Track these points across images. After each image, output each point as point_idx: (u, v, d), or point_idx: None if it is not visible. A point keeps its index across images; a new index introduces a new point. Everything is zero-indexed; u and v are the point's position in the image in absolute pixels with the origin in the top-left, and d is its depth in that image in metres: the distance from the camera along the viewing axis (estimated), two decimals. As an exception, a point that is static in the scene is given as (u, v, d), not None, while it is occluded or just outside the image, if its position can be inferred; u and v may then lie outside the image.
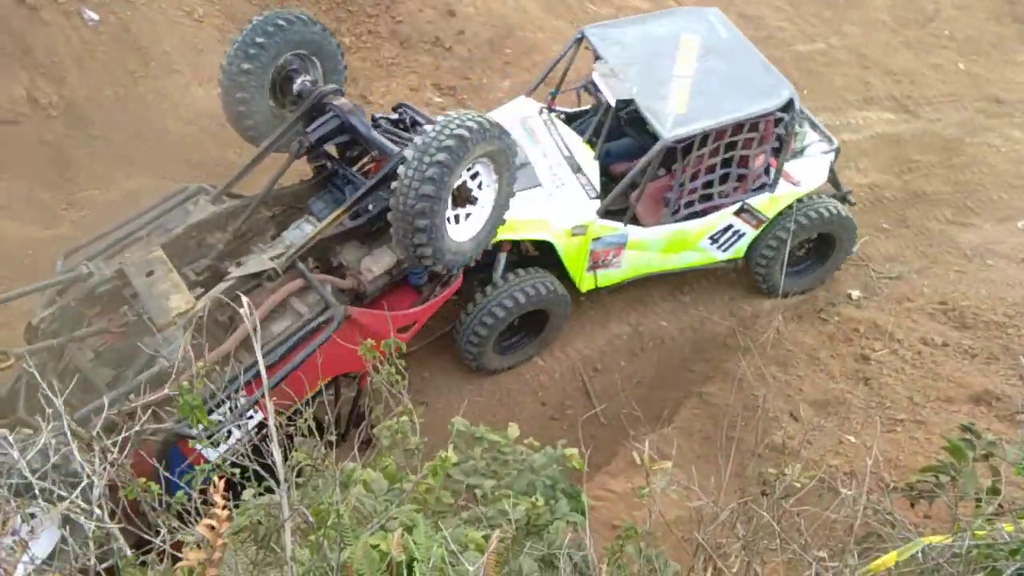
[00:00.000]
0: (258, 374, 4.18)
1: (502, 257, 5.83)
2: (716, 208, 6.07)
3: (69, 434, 2.51)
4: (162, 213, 4.98)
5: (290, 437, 2.54)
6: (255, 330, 2.11)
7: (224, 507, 1.54)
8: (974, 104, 8.90)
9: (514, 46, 8.36)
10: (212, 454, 3.93)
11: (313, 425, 2.36)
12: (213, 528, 1.46)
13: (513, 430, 2.56)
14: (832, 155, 6.45)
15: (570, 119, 6.50)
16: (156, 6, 7.24)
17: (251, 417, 4.39)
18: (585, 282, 6.14)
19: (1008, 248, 7.43)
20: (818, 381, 5.87)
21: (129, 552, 2.07)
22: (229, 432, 4.28)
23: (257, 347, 2.11)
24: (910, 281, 7.06)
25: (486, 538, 1.88)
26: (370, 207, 4.93)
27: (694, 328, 6.74)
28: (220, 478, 1.70)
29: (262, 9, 6.52)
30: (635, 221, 5.92)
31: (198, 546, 1.57)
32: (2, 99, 6.54)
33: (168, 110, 7.07)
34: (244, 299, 2.31)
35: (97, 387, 4.21)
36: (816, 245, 6.74)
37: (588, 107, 6.66)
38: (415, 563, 1.76)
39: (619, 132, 6.45)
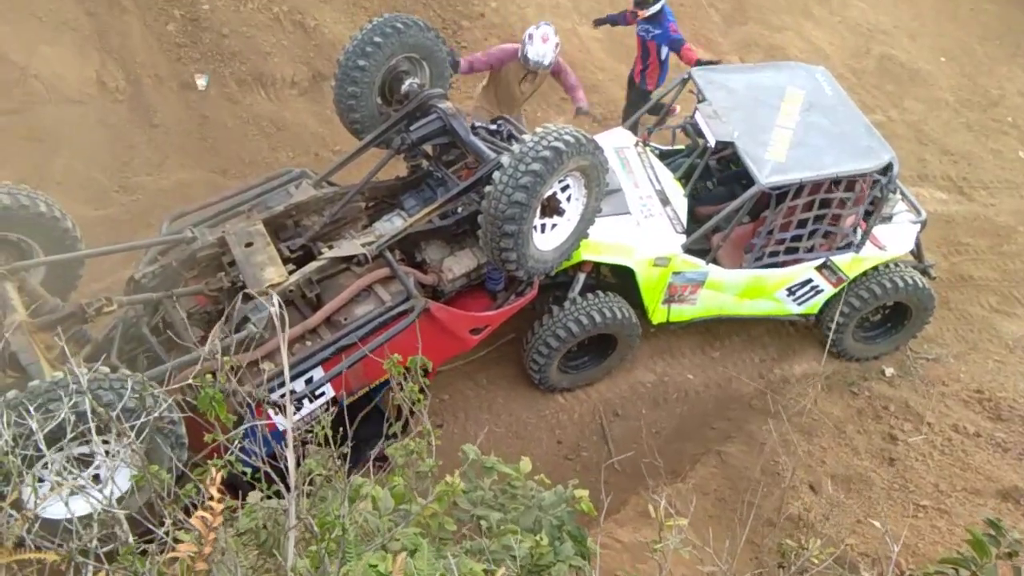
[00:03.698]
0: (336, 351, 4.48)
1: (581, 276, 5.95)
2: (799, 260, 6.06)
3: (89, 412, 2.56)
4: (265, 191, 5.23)
5: (304, 443, 2.55)
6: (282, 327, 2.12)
7: (220, 501, 1.53)
8: (1031, 194, 8.74)
9: (573, 84, 8.42)
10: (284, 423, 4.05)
11: (329, 434, 2.35)
12: (206, 522, 1.44)
13: (525, 464, 2.52)
14: (919, 226, 6.39)
15: (663, 156, 6.58)
16: (241, 9, 7.42)
17: (322, 394, 4.63)
18: (658, 314, 6.18)
19: (1052, 344, 7.24)
20: (842, 455, 5.73)
21: (131, 539, 2.08)
22: (301, 403, 4.54)
23: (283, 344, 2.11)
24: (947, 365, 6.89)
25: (487, 572, 1.84)
26: (459, 209, 5.12)
27: (720, 385, 6.64)
28: (217, 472, 1.70)
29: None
30: (715, 262, 5.95)
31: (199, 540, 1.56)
32: (72, 78, 6.73)
33: (228, 108, 7.22)
34: (275, 298, 2.32)
35: (187, 345, 4.38)
36: (891, 313, 6.67)
37: (682, 147, 6.76)
38: (414, 588, 1.73)
39: (709, 176, 6.52)
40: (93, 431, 2.78)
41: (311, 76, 7.52)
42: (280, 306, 2.21)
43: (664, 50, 6.92)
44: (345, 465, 2.33)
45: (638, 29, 6.97)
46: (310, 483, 2.10)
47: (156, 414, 3.54)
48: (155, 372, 4.06)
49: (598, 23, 7.49)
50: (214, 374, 2.55)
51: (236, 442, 2.32)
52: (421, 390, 2.52)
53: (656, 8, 6.69)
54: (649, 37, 6.93)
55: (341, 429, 2.53)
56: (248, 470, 2.28)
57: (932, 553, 4.81)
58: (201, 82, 7.06)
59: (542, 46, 5.95)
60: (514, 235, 4.51)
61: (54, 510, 3.40)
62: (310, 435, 2.42)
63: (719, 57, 9.24)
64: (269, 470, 2.10)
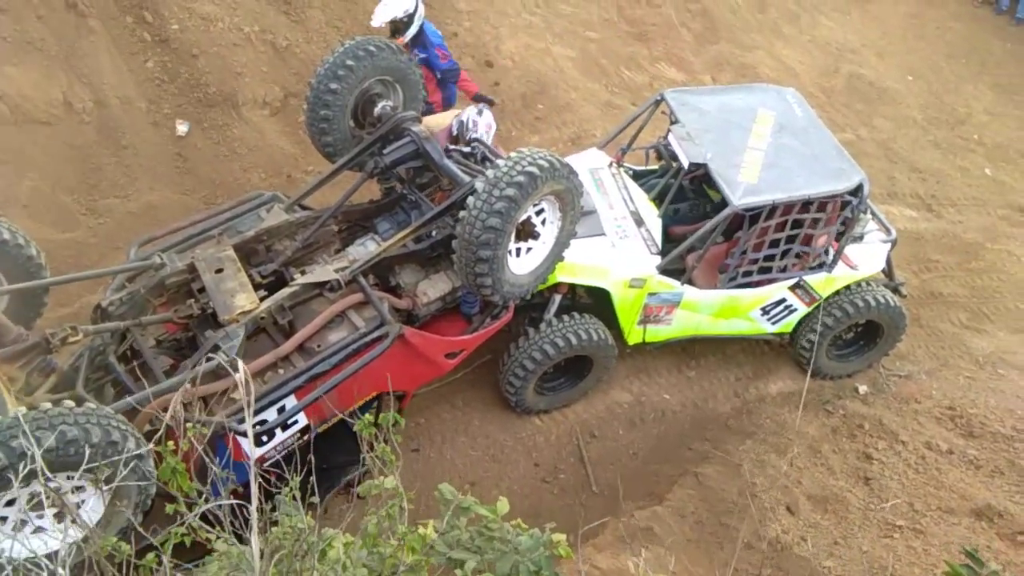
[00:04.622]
0: (310, 379, 4.40)
1: (557, 298, 5.95)
2: (772, 281, 6.11)
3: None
4: (235, 215, 5.15)
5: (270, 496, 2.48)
6: (249, 388, 2.06)
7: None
8: (998, 211, 8.89)
9: (547, 103, 8.45)
10: (255, 452, 3.97)
11: (298, 494, 2.29)
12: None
13: (503, 505, 2.48)
14: (890, 245, 6.48)
15: (636, 176, 6.61)
16: (211, 29, 7.34)
17: (295, 422, 4.57)
18: (633, 335, 6.19)
19: (1021, 359, 7.34)
20: (818, 475, 5.75)
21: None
22: (272, 433, 4.47)
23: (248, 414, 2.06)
24: (919, 382, 6.96)
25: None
26: (433, 233, 5.08)
27: (696, 404, 6.64)
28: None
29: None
30: (690, 283, 5.98)
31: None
32: (39, 99, 6.60)
33: (199, 129, 7.13)
34: (240, 364, 2.27)
35: (155, 374, 4.33)
36: (863, 331, 6.74)
37: (655, 167, 6.80)
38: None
39: (682, 196, 6.55)
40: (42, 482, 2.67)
41: (283, 96, 7.45)
42: (245, 372, 2.14)
43: (438, 72, 6.55)
44: (317, 522, 2.27)
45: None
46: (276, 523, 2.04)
47: (124, 454, 3.48)
48: (121, 404, 3.97)
49: None
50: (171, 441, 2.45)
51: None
52: (394, 451, 2.47)
53: (414, 31, 6.28)
54: (417, 62, 6.39)
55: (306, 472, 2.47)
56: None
57: (908, 574, 4.82)
58: (182, 128, 6.99)
59: (487, 133, 5.75)
60: (489, 260, 4.49)
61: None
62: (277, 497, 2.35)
63: (692, 77, 9.34)
64: (233, 538, 2.04)
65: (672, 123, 6.14)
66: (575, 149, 7.75)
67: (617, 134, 6.67)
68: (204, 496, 2.26)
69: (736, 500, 5.48)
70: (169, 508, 2.24)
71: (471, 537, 2.37)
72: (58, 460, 3.32)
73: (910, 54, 10.72)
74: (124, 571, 1.97)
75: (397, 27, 6.22)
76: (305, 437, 4.73)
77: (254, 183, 6.99)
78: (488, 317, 5.36)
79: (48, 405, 3.41)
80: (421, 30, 6.31)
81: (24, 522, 3.46)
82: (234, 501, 2.21)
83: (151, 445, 3.27)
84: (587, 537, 5.49)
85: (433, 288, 5.11)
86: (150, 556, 2.01)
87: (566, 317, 5.89)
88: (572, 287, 6.06)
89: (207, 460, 2.44)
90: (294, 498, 2.24)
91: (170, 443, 2.33)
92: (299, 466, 2.99)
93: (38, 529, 3.49)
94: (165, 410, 4.00)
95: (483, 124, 5.70)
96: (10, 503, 3.41)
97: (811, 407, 6.59)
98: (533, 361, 5.83)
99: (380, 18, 6.17)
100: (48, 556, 3.22)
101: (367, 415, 2.70)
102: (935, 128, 9.74)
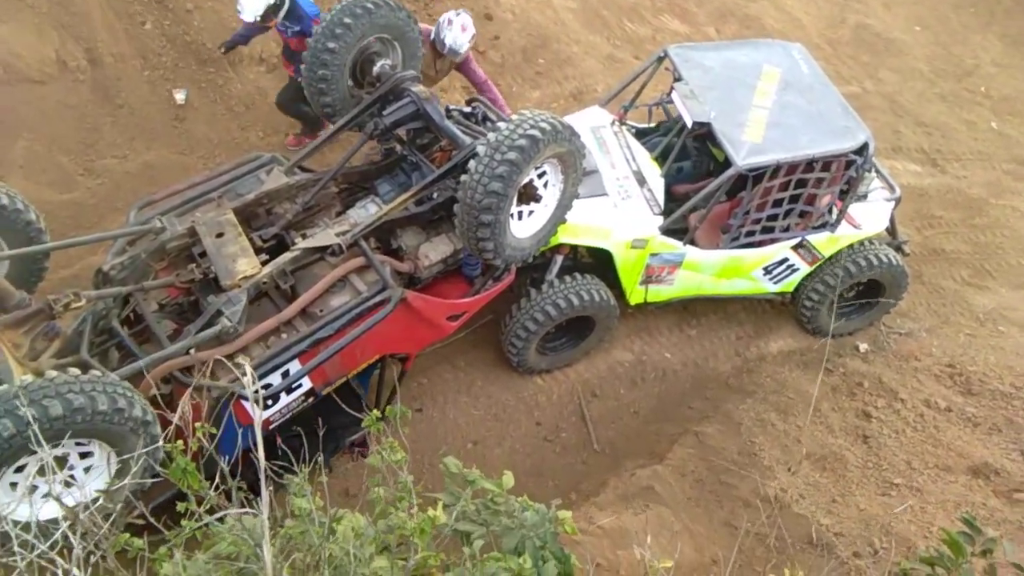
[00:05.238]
0: (313, 343, 4.43)
1: (559, 259, 5.94)
2: (775, 240, 6.08)
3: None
4: (235, 178, 5.10)
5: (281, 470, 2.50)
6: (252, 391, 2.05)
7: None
8: (1003, 165, 8.80)
9: (548, 57, 8.30)
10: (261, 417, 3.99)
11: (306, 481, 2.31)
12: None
13: (508, 479, 2.51)
14: (894, 203, 6.43)
15: (639, 134, 6.53)
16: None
17: (299, 386, 4.60)
18: (635, 295, 6.20)
19: (1021, 316, 7.35)
20: (817, 434, 5.80)
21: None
22: (277, 397, 4.50)
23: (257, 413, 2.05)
24: (919, 339, 6.98)
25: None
26: (435, 195, 5.04)
27: (697, 363, 6.68)
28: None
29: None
30: (692, 243, 5.95)
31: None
32: (31, 58, 6.49)
33: (195, 87, 7.02)
34: (247, 366, 2.26)
35: (159, 338, 4.35)
36: (865, 290, 6.73)
37: (655, 125, 6.71)
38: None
39: (685, 154, 6.47)
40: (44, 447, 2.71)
41: (280, 52, 7.31)
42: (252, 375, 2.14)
43: None
44: (326, 499, 2.30)
45: (278, 26, 6.24)
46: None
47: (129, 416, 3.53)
48: (126, 371, 3.99)
49: (227, 48, 6.68)
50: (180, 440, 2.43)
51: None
52: (402, 444, 2.48)
53: (285, 10, 6.04)
54: (289, 34, 6.29)
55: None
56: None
57: (905, 532, 4.91)
58: (179, 96, 6.88)
59: (461, 35, 5.82)
60: (491, 224, 4.47)
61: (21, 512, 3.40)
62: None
63: (695, 29, 9.15)
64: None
65: (675, 80, 6.04)
66: (577, 104, 7.65)
67: (619, 91, 6.56)
68: (214, 485, 2.28)
69: (736, 459, 5.54)
70: (181, 506, 2.26)
71: (477, 510, 2.40)
72: (65, 427, 3.37)
73: (918, 4, 10.48)
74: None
75: (270, 10, 6.00)
76: (310, 400, 4.77)
77: (252, 142, 6.92)
78: (490, 279, 5.36)
79: (54, 373, 3.43)
80: (293, 3, 6.10)
81: (35, 487, 3.53)
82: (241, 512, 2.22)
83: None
84: (588, 495, 5.58)
85: (435, 251, 5.09)
86: (162, 550, 2.04)
87: (568, 278, 5.89)
88: (574, 248, 6.04)
89: (216, 457, 2.46)
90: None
91: (179, 442, 2.34)
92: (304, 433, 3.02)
93: (48, 494, 3.55)
94: (166, 380, 4.08)
95: (458, 24, 5.77)
96: (20, 469, 3.48)
97: (811, 365, 6.63)
98: (535, 322, 5.85)
99: (252, 11, 5.93)
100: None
101: (374, 411, 2.71)
102: (942, 80, 9.58)
